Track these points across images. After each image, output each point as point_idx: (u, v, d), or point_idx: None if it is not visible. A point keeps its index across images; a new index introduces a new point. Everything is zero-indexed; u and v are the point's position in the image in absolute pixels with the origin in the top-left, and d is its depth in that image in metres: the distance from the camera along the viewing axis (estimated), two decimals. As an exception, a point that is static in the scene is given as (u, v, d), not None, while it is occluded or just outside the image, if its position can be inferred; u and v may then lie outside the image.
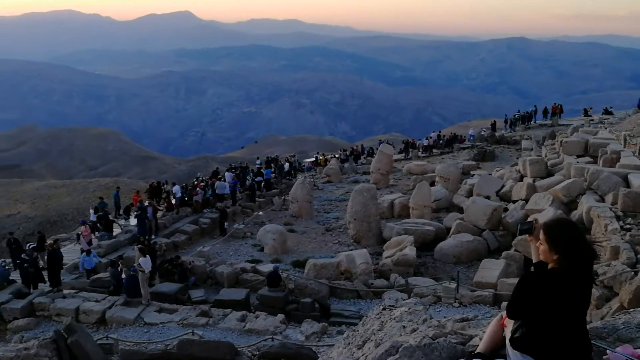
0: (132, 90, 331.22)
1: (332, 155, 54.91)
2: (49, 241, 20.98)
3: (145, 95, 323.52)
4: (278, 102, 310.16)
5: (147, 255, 17.30)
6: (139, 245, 18.57)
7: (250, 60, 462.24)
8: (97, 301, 17.04)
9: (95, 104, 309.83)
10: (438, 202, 29.04)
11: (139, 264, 16.83)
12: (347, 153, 55.49)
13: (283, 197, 34.25)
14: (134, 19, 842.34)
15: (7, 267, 19.20)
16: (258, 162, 44.53)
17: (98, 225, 25.76)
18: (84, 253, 20.21)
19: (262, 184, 35.72)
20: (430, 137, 52.99)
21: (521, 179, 27.56)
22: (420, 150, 51.28)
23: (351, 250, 22.12)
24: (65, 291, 18.23)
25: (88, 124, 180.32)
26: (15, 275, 19.54)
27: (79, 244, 23.82)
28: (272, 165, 40.91)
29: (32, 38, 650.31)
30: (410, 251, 20.18)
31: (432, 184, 32.24)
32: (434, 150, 50.53)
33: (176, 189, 30.46)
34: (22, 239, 30.07)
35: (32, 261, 18.35)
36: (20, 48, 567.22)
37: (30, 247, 19.55)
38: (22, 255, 18.75)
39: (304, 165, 50.83)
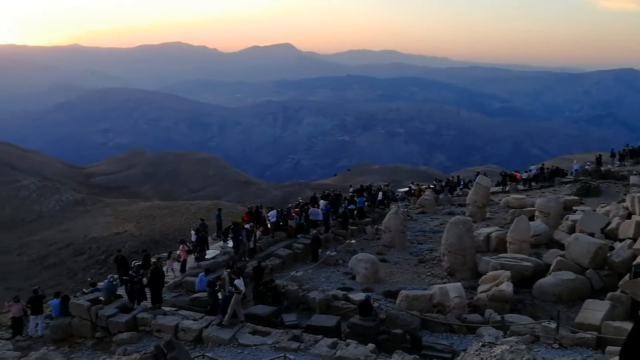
0: (233, 118, 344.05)
1: (427, 186, 54.19)
2: (152, 260, 22.11)
3: (245, 123, 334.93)
4: (372, 131, 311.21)
5: (241, 278, 17.77)
6: (229, 269, 19.06)
7: (346, 90, 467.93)
8: (195, 320, 17.69)
9: (199, 131, 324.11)
10: (537, 237, 27.98)
11: (235, 285, 17.28)
12: (443, 184, 54.57)
13: (376, 227, 34.15)
14: (238, 50, 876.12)
15: (114, 283, 20.37)
16: (351, 190, 44.72)
17: (197, 247, 26.81)
18: (204, 272, 21.34)
19: (355, 212, 35.79)
20: (530, 170, 51.20)
21: (629, 216, 26.05)
22: (520, 183, 49.68)
23: (445, 283, 21.72)
24: (166, 308, 19.07)
25: (192, 149, 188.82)
26: (121, 291, 20.70)
27: (177, 261, 24.95)
28: (365, 193, 40.95)
29: (144, 68, 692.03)
30: (507, 287, 19.55)
31: (531, 218, 31.10)
32: (533, 184, 48.78)
33: (272, 213, 31.15)
34: (127, 256, 31.81)
35: (137, 278, 19.40)
36: (133, 78, 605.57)
37: (136, 264, 20.69)
38: (130, 272, 19.89)
39: (397, 195, 50.49)
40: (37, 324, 19.64)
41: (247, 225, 26.51)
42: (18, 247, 56.11)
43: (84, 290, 22.10)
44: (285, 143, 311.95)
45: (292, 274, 24.26)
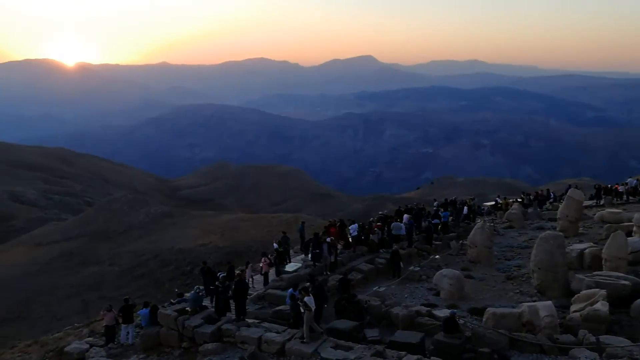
0: (314, 131, 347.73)
1: (514, 199, 52.31)
2: (237, 272, 22.40)
3: (326, 136, 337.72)
4: (456, 143, 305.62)
5: (311, 295, 17.57)
6: (304, 285, 18.91)
7: (429, 102, 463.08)
8: (278, 332, 17.70)
9: (280, 144, 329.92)
10: (635, 254, 26.23)
11: (305, 303, 17.14)
12: (531, 197, 52.48)
13: (461, 242, 33.23)
14: (319, 64, 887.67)
15: (200, 294, 20.75)
16: (435, 203, 43.82)
17: (279, 259, 26.95)
18: (292, 288, 21.42)
19: (439, 226, 35.00)
20: (627, 183, 48.40)
21: None
22: (615, 197, 47.04)
23: (534, 301, 20.70)
24: (250, 320, 19.22)
25: (273, 163, 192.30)
26: (206, 301, 21.08)
27: (260, 274, 25.16)
28: (450, 207, 39.97)
29: (228, 84, 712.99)
30: (603, 306, 18.35)
31: (629, 234, 29.26)
32: (631, 197, 46.03)
33: (353, 227, 30.89)
34: (212, 267, 32.48)
35: (222, 290, 19.68)
36: (218, 93, 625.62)
37: (222, 276, 21.00)
38: (216, 283, 20.21)
39: (483, 209, 49.03)
40: (128, 332, 20.31)
41: (328, 239, 26.40)
42: (110, 257, 58.73)
43: (172, 300, 22.68)
44: (366, 155, 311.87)
45: (374, 289, 23.92)
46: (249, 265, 25.61)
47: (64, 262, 59.34)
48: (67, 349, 20.63)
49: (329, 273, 25.33)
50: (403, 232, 31.30)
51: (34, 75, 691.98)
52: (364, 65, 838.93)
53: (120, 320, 20.48)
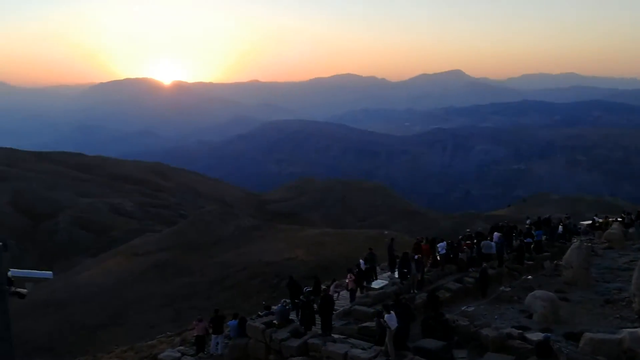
0: (401, 146, 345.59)
1: (614, 219, 49.57)
2: (323, 287, 22.52)
3: (413, 152, 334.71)
4: (550, 159, 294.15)
5: (392, 312, 17.31)
6: (385, 303, 18.69)
7: (521, 117, 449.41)
8: (363, 349, 17.59)
9: (367, 160, 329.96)
10: None
11: (384, 320, 16.92)
12: (632, 217, 49.54)
13: (555, 262, 31.84)
14: (407, 79, 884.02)
15: (287, 307, 21.02)
16: (527, 222, 42.25)
17: (366, 276, 26.81)
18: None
19: (532, 246, 33.70)
20: None
21: None
22: None
23: (636, 327, 19.47)
24: (335, 336, 19.23)
25: (359, 178, 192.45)
26: (293, 315, 21.31)
27: (346, 290, 25.12)
28: (544, 226, 38.37)
29: (315, 100, 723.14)
30: None
31: None
32: None
33: (441, 245, 30.36)
34: (298, 281, 32.79)
35: (308, 304, 19.83)
36: (305, 109, 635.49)
37: (307, 290, 21.19)
38: (301, 297, 20.42)
39: (579, 228, 46.77)
40: (218, 342, 20.87)
41: (416, 257, 26.06)
42: (201, 268, 60.64)
43: (259, 313, 23.11)
44: (455, 172, 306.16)
45: (462, 308, 23.34)
46: (335, 281, 25.70)
47: (158, 271, 61.88)
48: (160, 356, 21.50)
49: (416, 291, 24.97)
50: (493, 250, 30.40)
51: (134, 93, 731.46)
52: (452, 80, 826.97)
53: (211, 331, 21.09)
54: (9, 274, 7.46)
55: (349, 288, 25.08)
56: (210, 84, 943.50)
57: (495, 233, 32.69)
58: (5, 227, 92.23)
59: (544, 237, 35.89)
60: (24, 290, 7.56)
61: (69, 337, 47.24)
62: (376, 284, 26.17)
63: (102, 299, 54.74)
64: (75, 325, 49.43)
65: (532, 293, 23.70)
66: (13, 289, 7.45)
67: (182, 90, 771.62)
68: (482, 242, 30.68)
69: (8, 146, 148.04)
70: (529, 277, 29.16)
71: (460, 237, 36.35)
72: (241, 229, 75.32)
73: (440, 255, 29.35)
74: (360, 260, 28.58)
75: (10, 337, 7.60)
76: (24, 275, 7.72)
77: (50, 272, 8.13)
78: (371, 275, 27.16)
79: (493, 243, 30.76)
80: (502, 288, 26.86)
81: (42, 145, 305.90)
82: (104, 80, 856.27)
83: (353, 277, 25.21)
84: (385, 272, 29.45)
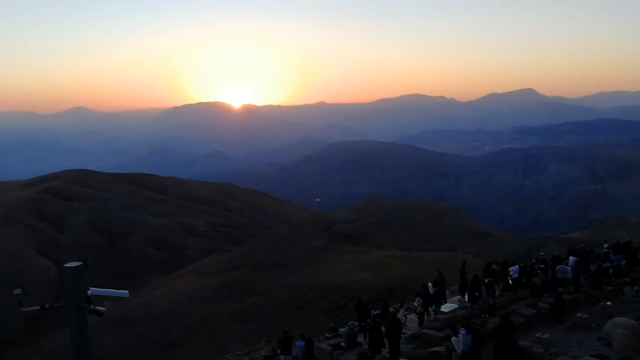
0: (471, 167, 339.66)
1: (700, 243, 46.67)
2: (391, 309, 22.26)
3: (483, 172, 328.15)
4: (629, 179, 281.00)
5: (460, 335, 16.91)
6: (453, 327, 18.28)
7: (596, 135, 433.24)
8: (431, 375, 17.25)
9: (435, 180, 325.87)
10: None
11: (451, 343, 16.55)
12: None
13: (636, 288, 30.26)
14: (476, 98, 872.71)
15: (354, 329, 20.88)
16: (605, 245, 40.43)
17: (435, 299, 26.35)
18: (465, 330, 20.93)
19: (610, 270, 32.18)
20: None
21: None
22: None
23: None
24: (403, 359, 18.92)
25: (428, 199, 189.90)
26: (360, 337, 21.14)
27: (415, 313, 24.72)
28: (623, 250, 36.57)
29: (382, 121, 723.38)
30: None
31: None
32: None
33: (513, 268, 29.51)
34: (366, 304, 32.53)
35: (376, 327, 19.64)
36: (372, 130, 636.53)
37: (375, 313, 20.99)
38: (368, 320, 20.24)
39: (662, 253, 44.29)
40: (286, 363, 20.92)
41: (486, 280, 25.40)
42: (269, 288, 61.15)
43: (327, 334, 23.05)
44: (527, 192, 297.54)
45: (537, 335, 22.49)
46: (403, 305, 25.37)
47: (227, 290, 62.86)
48: (229, 375, 21.74)
49: (487, 316, 24.29)
50: (569, 275, 29.25)
51: (206, 116, 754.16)
52: (524, 99, 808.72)
53: (279, 351, 21.18)
54: (89, 292, 7.79)
55: (418, 311, 24.71)
56: (278, 106, 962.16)
57: (571, 257, 31.47)
58: (84, 246, 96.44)
59: (623, 262, 34.27)
60: (102, 309, 7.86)
61: (142, 354, 48.61)
62: (445, 308, 25.68)
63: (173, 317, 56.07)
64: (148, 342, 50.84)
65: (612, 320, 22.59)
66: (92, 307, 7.76)
67: (251, 113, 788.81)
68: (557, 267, 29.60)
69: (87, 168, 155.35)
70: (608, 303, 27.83)
71: (533, 260, 35.19)
72: (308, 249, 75.56)
73: (512, 279, 28.53)
74: (429, 283, 28.13)
75: (90, 353, 7.91)
76: (103, 294, 8.03)
77: (127, 291, 8.40)
78: (440, 298, 26.68)
79: (569, 267, 29.65)
80: (579, 314, 25.74)
81: (119, 166, 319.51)
82: (178, 104, 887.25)
83: (421, 300, 24.82)
84: (455, 296, 28.85)
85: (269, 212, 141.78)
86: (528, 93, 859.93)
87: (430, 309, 25.76)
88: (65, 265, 7.87)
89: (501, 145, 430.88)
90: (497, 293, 26.49)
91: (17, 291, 7.65)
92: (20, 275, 74.12)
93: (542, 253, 37.82)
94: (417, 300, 24.93)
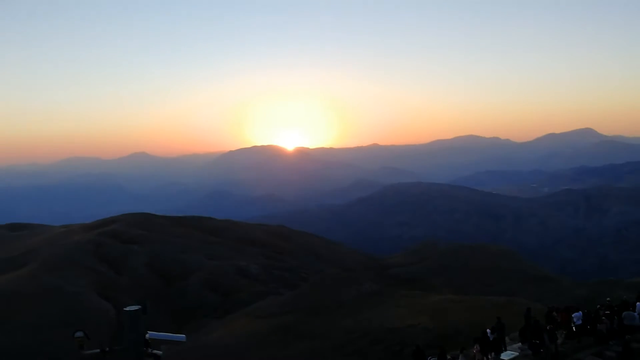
0: (528, 209, 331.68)
1: None
2: (448, 357, 21.64)
3: (542, 214, 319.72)
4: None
5: None
6: None
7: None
8: None
9: (492, 223, 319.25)
10: None
11: None
12: None
13: None
14: (532, 139, 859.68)
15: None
16: (676, 291, 38.32)
17: (494, 347, 25.49)
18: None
19: (683, 318, 30.42)
20: None
21: None
22: None
23: None
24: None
25: (484, 242, 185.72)
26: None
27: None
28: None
29: (437, 162, 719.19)
30: None
31: None
32: None
33: (577, 315, 28.31)
34: (423, 350, 31.74)
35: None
36: (426, 171, 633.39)
37: (431, 360, 20.45)
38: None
39: None
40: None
41: (548, 327, 24.44)
42: (322, 332, 60.52)
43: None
44: (589, 235, 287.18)
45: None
46: (462, 351, 24.64)
47: (281, 335, 62.57)
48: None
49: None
50: (637, 322, 27.82)
51: (260, 160, 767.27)
52: (582, 139, 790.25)
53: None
54: (147, 336, 7.90)
55: (476, 359, 23.94)
56: (331, 148, 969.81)
57: (638, 303, 29.99)
58: (142, 289, 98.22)
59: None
60: (159, 352, 7.94)
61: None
62: (505, 356, 24.80)
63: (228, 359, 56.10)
64: (202, 385, 50.87)
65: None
66: (150, 350, 7.84)
67: (304, 156, 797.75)
68: (624, 313, 28.23)
69: (146, 211, 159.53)
70: (682, 353, 26.20)
71: (598, 306, 33.71)
72: (362, 293, 74.73)
73: (576, 325, 27.36)
74: (488, 330, 27.29)
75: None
76: (160, 338, 8.12)
77: (184, 335, 8.48)
78: (500, 345, 25.78)
79: (637, 314, 28.22)
80: (650, 365, 24.32)
81: (176, 210, 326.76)
82: (233, 148, 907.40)
83: (480, 347, 24.05)
84: (515, 343, 27.82)
85: (322, 255, 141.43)
86: (587, 132, 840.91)
87: (489, 357, 24.90)
88: (125, 309, 8.03)
89: (560, 186, 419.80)
90: (559, 340, 25.42)
91: (79, 334, 7.81)
92: (80, 317, 75.89)
93: (608, 299, 36.18)
94: (475, 347, 24.18)
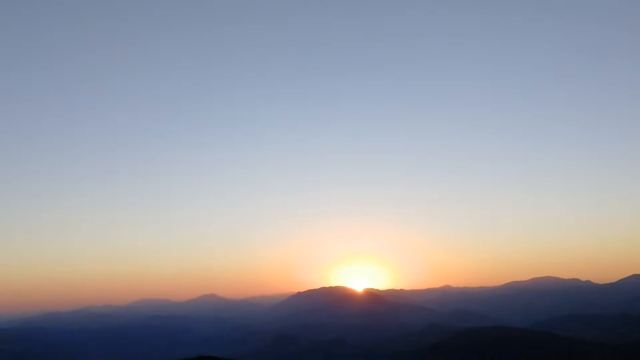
0: (617, 358, 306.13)
1: None
2: None
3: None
4: None
5: None
6: None
7: None
8: None
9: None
10: None
11: None
12: None
13: None
14: (616, 280, 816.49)
15: None
16: None
17: None
18: None
19: None
20: None
21: None
22: None
23: None
24: None
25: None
26: None
27: None
28: None
29: (512, 305, 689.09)
30: None
31: None
32: None
33: None
34: None
35: None
36: (502, 315, 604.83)
37: None
38: None
39: None
40: None
41: None
42: None
43: None
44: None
45: None
46: None
47: None
48: None
49: None
50: None
51: (328, 302, 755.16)
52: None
53: None
54: None
55: None
56: (402, 290, 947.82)
57: None
58: None
59: None
60: None
61: None
62: None
63: None
64: None
65: None
66: None
67: (374, 297, 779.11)
68: None
69: (214, 355, 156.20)
70: None
71: None
72: None
73: None
74: None
75: None
76: None
77: None
78: None
79: None
80: None
81: (246, 354, 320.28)
82: (301, 290, 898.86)
83: None
84: None
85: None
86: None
87: None
88: None
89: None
90: None
91: None
92: None
93: None
94: None
